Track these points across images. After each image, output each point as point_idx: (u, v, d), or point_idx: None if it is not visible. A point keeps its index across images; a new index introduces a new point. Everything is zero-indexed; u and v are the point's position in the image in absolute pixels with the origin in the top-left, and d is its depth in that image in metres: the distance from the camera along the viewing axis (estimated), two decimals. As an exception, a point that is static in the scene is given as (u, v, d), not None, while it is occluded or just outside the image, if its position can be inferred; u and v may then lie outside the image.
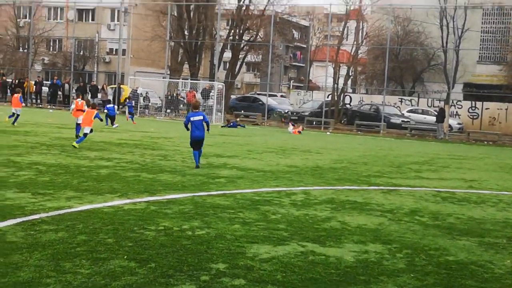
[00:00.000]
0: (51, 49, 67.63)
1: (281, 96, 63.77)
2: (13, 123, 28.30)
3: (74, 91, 51.59)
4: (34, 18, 58.11)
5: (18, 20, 62.67)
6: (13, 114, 28.79)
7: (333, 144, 30.72)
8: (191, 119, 17.41)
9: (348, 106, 52.02)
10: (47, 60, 65.55)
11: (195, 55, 54.75)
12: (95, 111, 21.76)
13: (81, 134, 22.02)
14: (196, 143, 17.41)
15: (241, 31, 54.15)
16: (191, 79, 53.35)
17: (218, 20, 51.08)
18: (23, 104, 28.83)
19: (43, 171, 14.86)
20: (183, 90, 53.63)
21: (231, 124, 40.02)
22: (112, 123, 32.83)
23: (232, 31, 54.80)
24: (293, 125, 40.30)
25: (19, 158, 17.04)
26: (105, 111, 34.02)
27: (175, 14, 53.94)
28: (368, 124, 45.19)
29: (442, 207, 13.08)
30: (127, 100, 42.27)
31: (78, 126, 23.71)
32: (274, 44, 54.13)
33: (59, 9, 69.68)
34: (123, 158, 18.57)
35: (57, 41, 67.79)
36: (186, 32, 54.74)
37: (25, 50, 59.15)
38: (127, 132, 28.94)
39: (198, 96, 46.89)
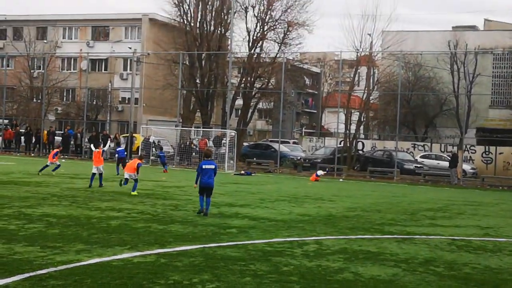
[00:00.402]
0: (64, 99, 68.29)
1: (294, 142, 63.73)
2: (53, 170, 31.14)
3: (86, 140, 51.85)
4: (47, 69, 58.71)
5: (31, 71, 63.31)
6: (57, 166, 31.43)
7: (346, 191, 30.48)
8: (203, 167, 17.42)
9: (360, 152, 51.84)
10: (60, 110, 66.08)
11: (207, 103, 54.98)
12: (139, 161, 23.70)
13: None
14: (205, 190, 17.37)
15: (252, 79, 54.38)
16: (203, 127, 53.48)
17: (229, 68, 51.37)
18: (54, 160, 31.61)
19: (53, 223, 14.75)
20: (195, 138, 53.73)
21: (246, 174, 40.18)
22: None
23: (244, 78, 55.04)
24: (325, 170, 40.64)
25: (30, 210, 16.98)
26: (116, 155, 34.11)
27: (187, 63, 54.34)
28: (381, 170, 44.88)
29: (458, 256, 12.83)
30: (158, 150, 43.02)
31: (99, 176, 25.15)
32: (286, 91, 54.31)
33: (72, 60, 70.64)
34: (134, 208, 18.45)
35: (70, 91, 68.48)
36: (198, 81, 55.04)
37: (39, 101, 59.60)
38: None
39: (210, 144, 46.87)
